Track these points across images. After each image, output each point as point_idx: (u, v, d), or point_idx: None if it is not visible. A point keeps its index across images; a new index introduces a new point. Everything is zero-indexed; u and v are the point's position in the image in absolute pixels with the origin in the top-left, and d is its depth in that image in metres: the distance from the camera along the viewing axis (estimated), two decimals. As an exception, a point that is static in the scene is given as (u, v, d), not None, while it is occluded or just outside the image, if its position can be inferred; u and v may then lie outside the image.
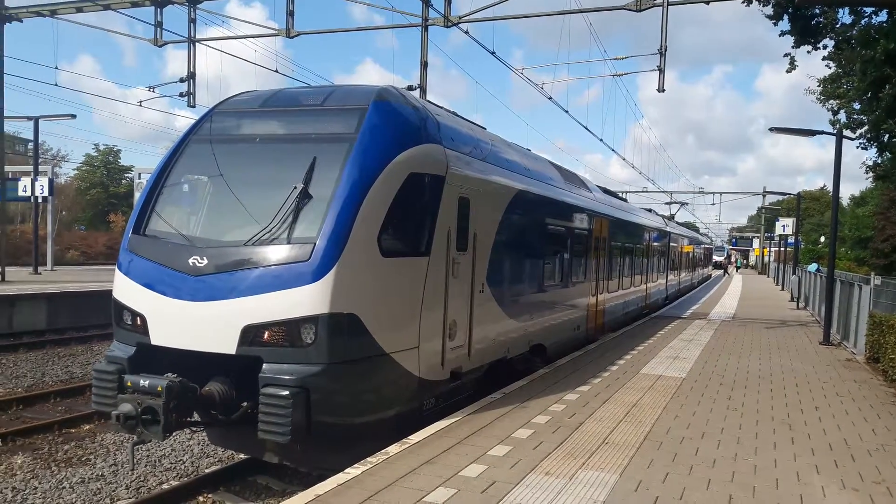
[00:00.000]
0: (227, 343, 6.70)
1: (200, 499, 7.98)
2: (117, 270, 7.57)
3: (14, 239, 37.94)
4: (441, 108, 9.67)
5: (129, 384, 6.66)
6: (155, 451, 9.55)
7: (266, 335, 6.65)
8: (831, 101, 24.10)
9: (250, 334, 6.65)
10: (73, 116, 30.84)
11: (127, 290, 7.38)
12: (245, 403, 6.86)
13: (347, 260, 6.71)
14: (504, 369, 10.23)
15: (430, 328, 7.84)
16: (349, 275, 6.74)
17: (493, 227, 9.51)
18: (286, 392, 6.39)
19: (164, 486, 8.39)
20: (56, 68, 24.41)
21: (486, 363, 9.58)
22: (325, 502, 5.37)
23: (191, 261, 6.95)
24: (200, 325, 6.82)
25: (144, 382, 6.53)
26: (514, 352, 10.62)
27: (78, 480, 8.55)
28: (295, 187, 7.05)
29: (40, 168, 32.12)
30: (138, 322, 7.21)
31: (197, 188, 7.98)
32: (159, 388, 6.41)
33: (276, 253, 6.79)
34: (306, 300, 6.57)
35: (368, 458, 6.39)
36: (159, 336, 7.07)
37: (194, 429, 8.02)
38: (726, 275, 65.33)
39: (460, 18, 19.11)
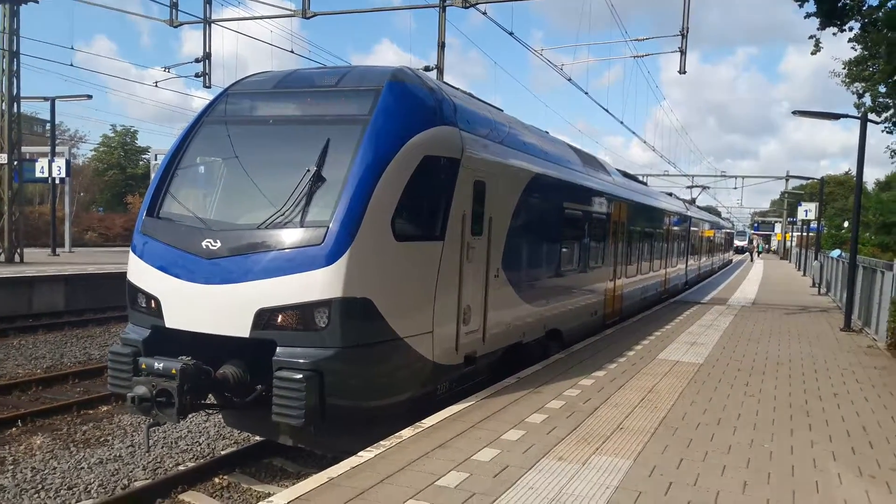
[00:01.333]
0: (240, 326, 6.71)
1: (216, 480, 8.04)
2: (131, 253, 7.59)
3: (32, 220, 38.29)
4: (457, 89, 9.56)
5: (143, 367, 6.71)
6: (171, 433, 9.63)
7: (280, 318, 6.65)
8: (856, 84, 23.72)
9: (264, 317, 6.65)
10: (90, 97, 30.98)
11: (141, 273, 7.40)
12: (259, 386, 6.89)
13: (361, 244, 6.67)
14: (519, 354, 10.17)
15: (444, 313, 7.79)
16: (363, 259, 6.70)
17: (509, 211, 9.42)
18: (300, 375, 6.39)
19: (181, 468, 8.46)
20: (72, 48, 24.53)
21: (501, 348, 9.53)
22: (337, 485, 5.36)
23: (204, 243, 6.93)
24: (214, 308, 6.82)
25: (159, 365, 6.57)
26: (530, 337, 10.56)
27: (96, 461, 8.64)
28: (308, 170, 7.00)
29: (58, 149, 32.37)
30: (153, 305, 7.23)
31: (210, 170, 7.97)
32: (173, 371, 6.46)
33: (290, 236, 6.76)
34: (320, 284, 6.55)
35: (381, 442, 6.38)
36: (174, 319, 7.08)
37: (209, 411, 8.06)
38: (750, 260, 64.93)
39: (478, -1, 18.91)
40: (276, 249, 6.74)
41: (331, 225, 6.66)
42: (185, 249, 7.06)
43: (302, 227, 6.79)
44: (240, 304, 6.71)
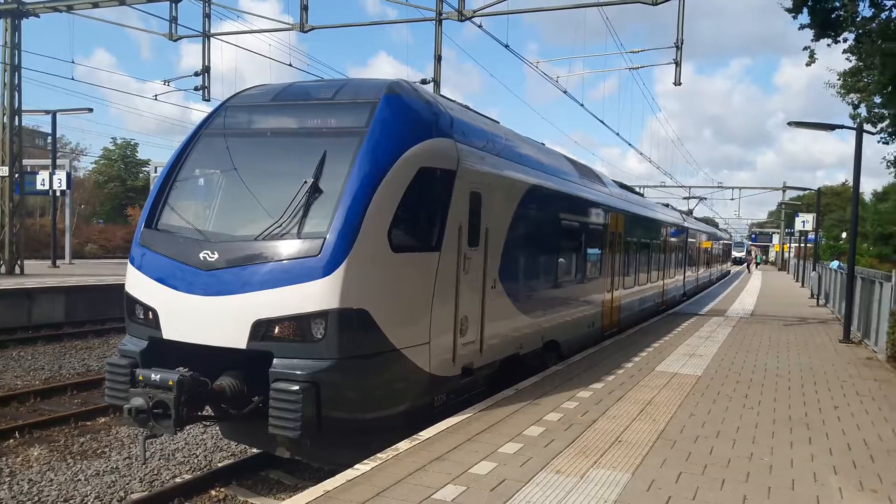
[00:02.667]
0: (237, 337, 6.71)
1: (213, 492, 8.00)
2: (129, 265, 7.61)
3: (33, 232, 38.32)
4: (453, 101, 9.60)
5: (140, 378, 6.69)
6: (168, 445, 9.59)
7: (277, 330, 6.65)
8: (852, 95, 23.81)
9: (261, 329, 6.65)
10: (91, 110, 31.26)
11: (139, 285, 7.42)
12: (256, 398, 6.86)
13: (357, 255, 6.69)
14: (517, 366, 10.15)
15: (440, 324, 7.79)
16: (359, 270, 6.71)
17: (505, 222, 9.43)
18: (296, 387, 6.38)
19: (178, 480, 8.42)
20: (73, 62, 24.64)
21: (499, 359, 9.51)
22: (333, 498, 5.34)
23: (202, 255, 6.96)
24: (211, 320, 6.83)
25: (156, 377, 6.56)
26: (527, 348, 10.54)
27: (93, 473, 8.60)
28: (305, 182, 7.03)
29: (58, 162, 32.46)
30: (150, 316, 7.24)
31: (208, 182, 7.99)
32: (170, 383, 6.44)
33: (287, 248, 6.79)
34: (316, 295, 6.56)
35: (378, 454, 6.36)
36: (171, 330, 7.08)
37: (206, 423, 8.04)
38: (748, 271, 64.90)
39: (474, 12, 19.01)
40: (273, 261, 6.76)
41: (328, 236, 6.68)
42: (183, 261, 7.08)
43: (299, 238, 6.81)
44: (237, 315, 6.71)
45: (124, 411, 6.65)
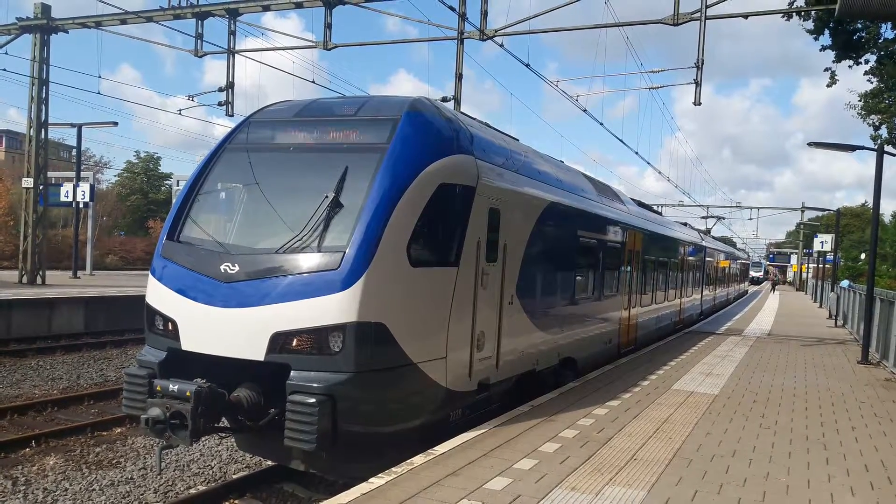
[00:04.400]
0: (256, 349, 6.76)
1: (227, 504, 8.03)
2: (150, 276, 7.69)
3: (55, 243, 38.79)
4: (474, 119, 9.68)
5: (158, 388, 6.73)
6: (184, 456, 9.65)
7: (295, 342, 6.70)
8: (872, 116, 23.65)
9: (279, 341, 6.70)
10: (115, 124, 31.71)
11: (159, 296, 7.49)
12: (273, 410, 6.90)
13: (376, 269, 6.73)
14: (533, 382, 10.14)
15: (457, 339, 7.80)
16: (378, 284, 6.75)
17: (523, 238, 9.46)
18: (313, 400, 6.41)
19: (192, 491, 8.47)
20: (99, 77, 24.99)
21: (515, 375, 9.50)
22: (348, 511, 5.35)
23: (222, 267, 7.03)
24: (230, 332, 6.88)
25: (174, 387, 6.60)
26: (544, 364, 10.53)
27: (108, 483, 8.67)
28: (326, 196, 7.10)
29: (82, 174, 32.89)
30: (170, 327, 7.30)
31: (231, 196, 8.09)
32: (188, 394, 6.49)
33: (306, 261, 6.85)
34: (335, 308, 6.60)
35: (393, 469, 6.37)
36: (190, 341, 7.15)
37: (222, 434, 8.08)
38: (773, 290, 65.13)
39: (496, 32, 19.10)
40: (293, 274, 6.81)
41: (347, 250, 6.73)
42: (204, 273, 7.16)
43: (319, 251, 6.87)
44: (256, 327, 6.76)
45: (141, 421, 6.70)
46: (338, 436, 6.59)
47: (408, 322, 7.15)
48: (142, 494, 8.37)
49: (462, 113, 9.48)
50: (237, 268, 6.97)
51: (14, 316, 18.83)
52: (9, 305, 18.79)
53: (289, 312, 6.69)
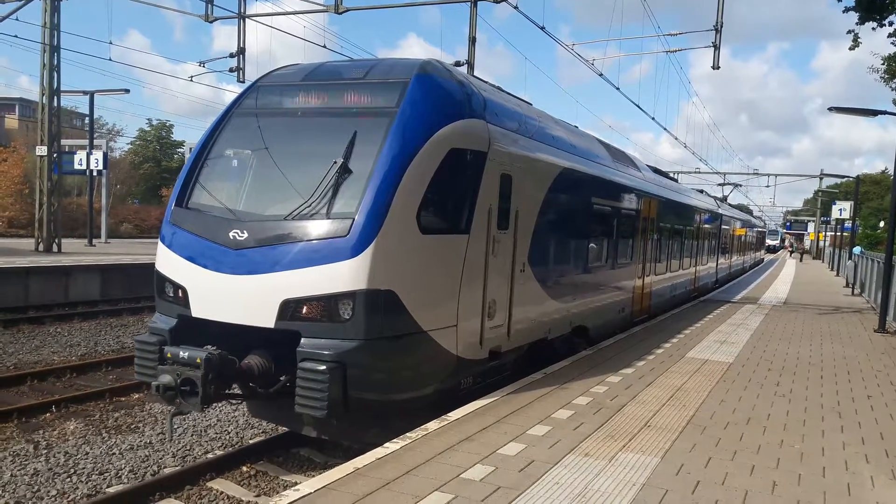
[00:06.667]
0: (266, 317, 6.74)
1: (244, 468, 8.12)
2: (160, 243, 7.67)
3: (70, 211, 39.02)
4: (486, 82, 9.51)
5: (169, 355, 6.76)
6: (201, 422, 9.76)
7: (304, 310, 6.68)
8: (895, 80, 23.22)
9: (289, 308, 6.68)
10: (127, 91, 31.53)
11: (169, 263, 7.48)
12: (284, 377, 6.94)
13: (386, 236, 6.67)
14: (544, 351, 10.12)
15: (468, 307, 7.75)
16: (387, 251, 6.70)
17: (535, 205, 9.35)
18: (323, 367, 6.42)
19: (209, 456, 8.56)
20: (110, 43, 24.89)
21: (526, 343, 9.48)
22: (363, 475, 5.40)
23: (231, 234, 6.99)
24: (240, 299, 6.87)
25: (184, 354, 6.62)
26: (555, 333, 10.49)
27: (127, 447, 8.78)
28: (335, 162, 7.02)
29: (95, 142, 32.97)
30: (180, 294, 7.29)
31: (239, 161, 8.00)
32: (198, 360, 6.51)
33: (315, 228, 6.80)
34: (344, 276, 6.56)
35: (407, 434, 6.41)
36: (200, 308, 7.14)
37: (233, 401, 8.15)
38: (791, 257, 65.18)
39: (510, -7, 18.82)
40: (302, 241, 6.77)
41: (356, 217, 6.67)
42: (213, 240, 7.12)
43: (328, 218, 6.82)
44: (265, 294, 6.74)
45: (152, 388, 6.74)
46: (348, 403, 6.59)
47: (418, 290, 7.10)
48: (160, 459, 8.48)
49: (474, 76, 9.32)
50: (246, 234, 6.93)
51: (32, 283, 19.01)
52: (26, 273, 18.97)
53: (298, 280, 6.66)
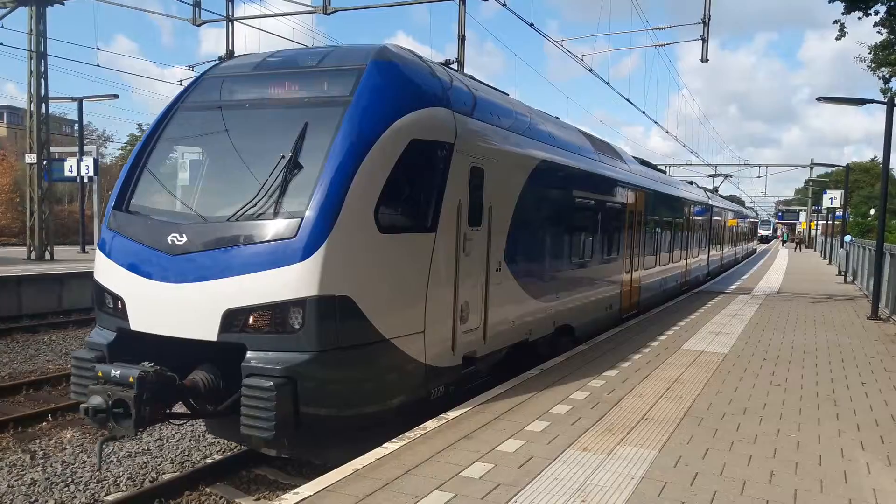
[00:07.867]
0: (207, 329, 6.20)
1: (243, 472, 8.11)
2: (98, 250, 7.16)
3: (62, 219, 38.91)
4: (454, 69, 9.06)
5: (100, 374, 6.06)
6: (199, 426, 9.73)
7: (250, 320, 6.13)
8: (883, 69, 23.35)
9: (233, 319, 6.14)
10: (116, 97, 31.44)
11: (107, 272, 6.94)
12: (237, 393, 6.22)
13: (339, 236, 6.16)
14: (526, 353, 9.67)
15: (437, 311, 7.27)
16: (341, 252, 6.19)
17: (511, 200, 8.93)
18: (270, 383, 5.87)
19: (208, 461, 8.56)
20: (97, 48, 24.83)
21: (506, 347, 9.04)
22: (363, 476, 5.41)
23: (170, 238, 6.43)
24: (179, 309, 6.34)
25: (116, 372, 5.95)
26: (538, 334, 10.05)
27: (125, 454, 8.76)
28: (283, 157, 6.51)
29: (86, 148, 32.80)
30: (119, 306, 6.74)
31: (182, 160, 7.53)
32: (131, 379, 5.84)
33: (261, 229, 6.24)
34: (293, 281, 6.04)
35: (406, 433, 6.41)
36: (138, 321, 6.59)
37: (175, 422, 7.60)
38: (789, 245, 65.62)
39: (497, -10, 18.79)
40: (246, 244, 6.23)
41: (305, 216, 6.14)
42: (151, 245, 6.57)
43: (274, 218, 6.27)
44: (206, 304, 6.21)
45: (81, 411, 6.10)
46: (300, 421, 6.09)
47: (378, 294, 6.58)
48: (159, 465, 8.46)
49: (442, 64, 8.93)
50: (185, 238, 6.37)
51: (25, 292, 18.93)
52: (19, 282, 18.89)
53: (242, 287, 6.12)
